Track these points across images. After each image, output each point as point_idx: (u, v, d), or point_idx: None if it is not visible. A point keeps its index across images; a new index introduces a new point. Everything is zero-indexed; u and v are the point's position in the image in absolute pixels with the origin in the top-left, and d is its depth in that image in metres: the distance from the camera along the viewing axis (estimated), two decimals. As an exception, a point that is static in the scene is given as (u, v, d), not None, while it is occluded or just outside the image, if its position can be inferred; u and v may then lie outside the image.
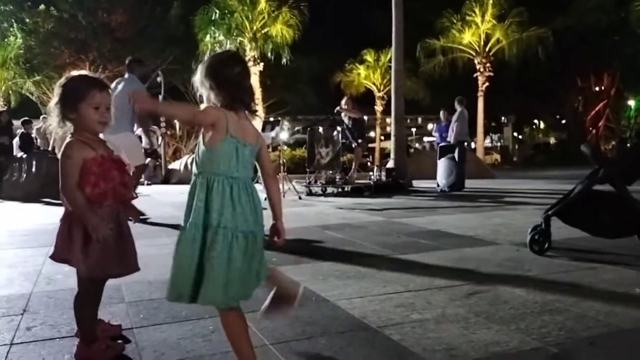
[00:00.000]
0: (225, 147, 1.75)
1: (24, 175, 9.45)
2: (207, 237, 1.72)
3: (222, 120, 1.74)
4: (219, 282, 1.68)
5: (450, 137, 11.18)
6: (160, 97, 19.45)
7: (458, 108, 10.74)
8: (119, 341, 2.12)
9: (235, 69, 1.82)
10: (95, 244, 1.90)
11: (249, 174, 1.85)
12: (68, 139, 1.96)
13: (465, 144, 10.97)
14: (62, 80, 2.02)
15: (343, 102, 10.01)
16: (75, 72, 2.06)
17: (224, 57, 1.92)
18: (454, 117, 10.82)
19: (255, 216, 1.81)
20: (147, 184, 13.09)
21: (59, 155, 1.98)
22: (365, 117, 11.58)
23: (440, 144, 10.61)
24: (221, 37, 19.95)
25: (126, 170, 2.06)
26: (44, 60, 21.12)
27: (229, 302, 1.72)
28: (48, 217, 6.30)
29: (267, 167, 1.99)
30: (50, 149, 10.41)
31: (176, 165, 14.83)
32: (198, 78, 1.83)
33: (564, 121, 38.47)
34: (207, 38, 19.89)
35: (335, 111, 9.65)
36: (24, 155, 9.94)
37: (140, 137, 15.62)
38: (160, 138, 15.90)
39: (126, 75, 6.56)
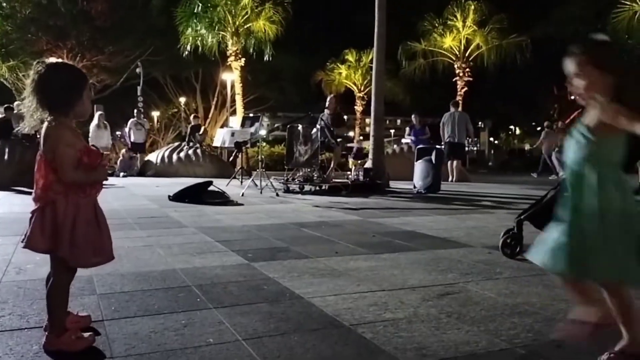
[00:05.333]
0: None
1: (-5, 163, 9.26)
2: None
3: None
4: None
5: (455, 137, 11.96)
6: (139, 88, 19.24)
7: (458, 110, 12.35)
8: (89, 333, 2.10)
9: None
10: (80, 233, 1.94)
11: None
12: (58, 127, 1.95)
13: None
14: (60, 67, 2.02)
15: (328, 99, 10.02)
16: (56, 60, 2.05)
17: None
18: (457, 119, 11.89)
19: None
20: (123, 176, 12.93)
21: (41, 143, 1.96)
22: (345, 117, 11.61)
23: (419, 147, 10.70)
24: (203, 31, 19.75)
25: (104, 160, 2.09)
26: (21, 46, 20.64)
27: None
28: (20, 205, 6.18)
29: None
30: (17, 133, 10.12)
31: (152, 157, 14.66)
32: None
33: (539, 128, 39.15)
34: (189, 31, 19.67)
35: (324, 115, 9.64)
36: (-4, 143, 9.71)
37: (130, 130, 15.39)
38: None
39: None
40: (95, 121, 14.41)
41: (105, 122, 14.48)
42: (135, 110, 15.35)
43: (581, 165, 1.88)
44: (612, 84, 1.84)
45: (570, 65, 1.91)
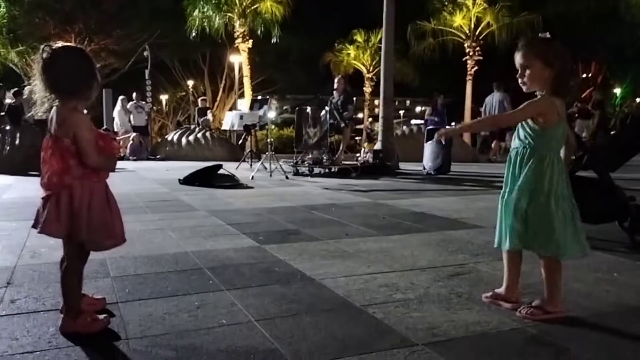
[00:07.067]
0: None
1: (7, 148, 9.33)
2: None
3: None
4: None
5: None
6: (147, 72, 19.20)
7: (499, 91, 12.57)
8: (104, 315, 2.13)
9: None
10: (95, 216, 1.96)
11: None
12: (74, 111, 1.96)
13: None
14: (69, 50, 2.01)
15: (336, 80, 9.96)
16: (63, 43, 2.04)
17: None
18: (495, 100, 11.96)
19: None
20: (133, 160, 12.99)
21: (52, 127, 1.97)
22: (354, 99, 11.55)
23: (429, 127, 10.64)
24: (210, 12, 19.62)
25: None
26: (29, 31, 20.61)
27: None
28: (32, 190, 6.24)
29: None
30: (29, 118, 10.19)
31: (162, 141, 14.72)
32: None
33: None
34: (196, 12, 19.55)
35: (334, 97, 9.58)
36: (8, 127, 9.78)
37: (130, 114, 15.47)
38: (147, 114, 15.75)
39: None
40: (118, 106, 14.76)
41: (127, 107, 14.81)
42: (135, 93, 15.32)
43: (525, 149, 2.18)
44: (552, 74, 2.14)
45: (518, 57, 2.21)
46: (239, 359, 1.79)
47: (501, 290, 2.36)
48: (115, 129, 14.42)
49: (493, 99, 13.02)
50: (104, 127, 14.18)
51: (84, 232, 1.96)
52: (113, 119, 15.28)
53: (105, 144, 2.02)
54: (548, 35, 2.22)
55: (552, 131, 2.16)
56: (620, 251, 3.37)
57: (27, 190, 6.48)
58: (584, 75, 30.47)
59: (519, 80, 2.22)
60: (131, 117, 14.99)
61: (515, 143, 2.24)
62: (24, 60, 20.06)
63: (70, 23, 21.21)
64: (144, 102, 16.05)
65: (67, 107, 1.97)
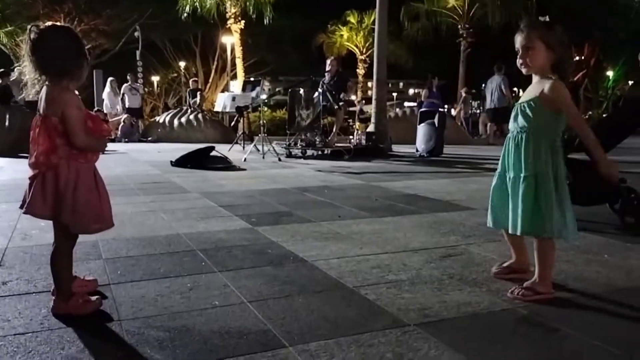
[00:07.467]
0: None
1: (-3, 129, 9.23)
2: None
3: None
4: None
5: (494, 103, 12.23)
6: (138, 52, 18.95)
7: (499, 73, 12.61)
8: (96, 297, 2.13)
9: None
10: (81, 199, 1.94)
11: None
12: (63, 90, 1.94)
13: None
14: (57, 30, 1.98)
15: (328, 62, 9.88)
16: (52, 23, 2.00)
17: None
18: (498, 83, 11.93)
19: None
20: (125, 142, 12.91)
21: (41, 106, 1.95)
22: (349, 82, 11.50)
23: (422, 109, 10.62)
24: (202, -8, 19.39)
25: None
26: (17, 10, 20.29)
27: None
28: (22, 172, 6.18)
29: None
30: (20, 100, 10.06)
31: (154, 122, 14.62)
32: None
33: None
34: (187, -7, 19.32)
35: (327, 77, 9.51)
36: (-4, 109, 9.66)
37: (124, 95, 15.35)
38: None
39: None
40: (108, 88, 14.59)
41: (117, 89, 14.63)
42: (129, 75, 15.16)
43: (524, 132, 2.21)
44: (553, 58, 2.17)
45: (520, 39, 2.21)
46: (231, 340, 1.79)
47: (512, 261, 2.47)
48: (105, 111, 14.29)
49: (493, 83, 12.96)
50: (96, 108, 14.04)
51: (69, 214, 1.93)
52: (103, 100, 15.14)
53: (94, 125, 1.99)
54: (547, 19, 2.23)
55: (561, 116, 2.19)
56: (611, 233, 3.40)
57: (18, 172, 6.43)
58: (577, 58, 30.46)
59: (519, 62, 2.22)
60: (125, 98, 14.83)
61: (518, 127, 2.23)
62: (12, 40, 19.76)
63: (59, 3, 20.89)
64: (138, 84, 15.90)
65: (59, 87, 1.94)
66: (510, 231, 2.28)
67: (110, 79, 14.90)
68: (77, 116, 1.93)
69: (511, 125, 2.29)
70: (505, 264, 2.49)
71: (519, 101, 2.28)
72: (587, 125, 2.22)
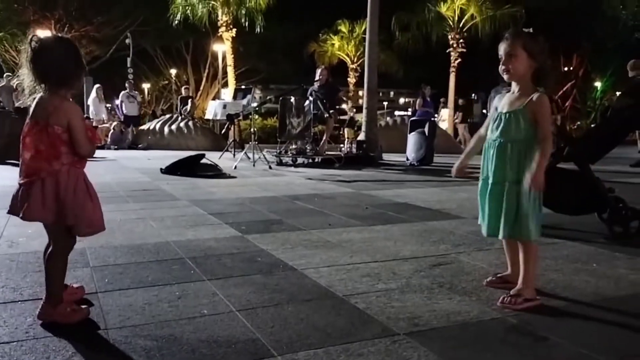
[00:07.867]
0: None
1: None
2: None
3: None
4: None
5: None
6: (129, 60, 18.87)
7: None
8: (84, 306, 2.10)
9: None
10: (79, 202, 1.99)
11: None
12: (65, 100, 1.99)
13: None
14: (60, 41, 2.04)
15: (318, 72, 9.91)
16: (52, 34, 2.05)
17: None
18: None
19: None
20: (114, 149, 12.83)
21: (38, 114, 1.98)
22: (341, 91, 11.54)
23: (412, 119, 10.66)
24: (193, 0, 19.41)
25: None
26: (7, 16, 20.21)
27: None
28: (10, 179, 6.12)
29: None
30: (12, 108, 9.99)
31: (144, 129, 14.54)
32: None
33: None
34: (179, 0, 19.32)
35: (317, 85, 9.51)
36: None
37: (122, 103, 15.27)
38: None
39: None
40: (93, 94, 14.50)
41: (102, 96, 14.57)
42: (127, 83, 15.12)
43: (508, 140, 2.25)
44: (534, 66, 2.24)
45: (504, 46, 2.27)
46: (219, 349, 1.77)
47: (507, 273, 2.48)
48: (91, 117, 14.20)
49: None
50: (86, 115, 13.97)
51: (72, 216, 1.97)
52: (88, 107, 15.04)
53: (92, 134, 2.08)
54: (531, 30, 2.30)
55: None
56: (599, 242, 3.42)
57: (5, 178, 6.36)
58: (565, 69, 30.79)
59: (501, 68, 2.28)
60: (123, 106, 14.79)
61: (502, 136, 2.27)
62: (2, 47, 19.66)
63: (50, 9, 20.83)
64: (136, 92, 15.87)
65: (58, 96, 1.98)
66: (490, 234, 2.34)
67: (96, 86, 14.75)
68: (82, 127, 2.00)
69: (491, 133, 2.33)
70: (499, 275, 2.51)
71: (501, 110, 2.31)
72: (552, 147, 2.39)
